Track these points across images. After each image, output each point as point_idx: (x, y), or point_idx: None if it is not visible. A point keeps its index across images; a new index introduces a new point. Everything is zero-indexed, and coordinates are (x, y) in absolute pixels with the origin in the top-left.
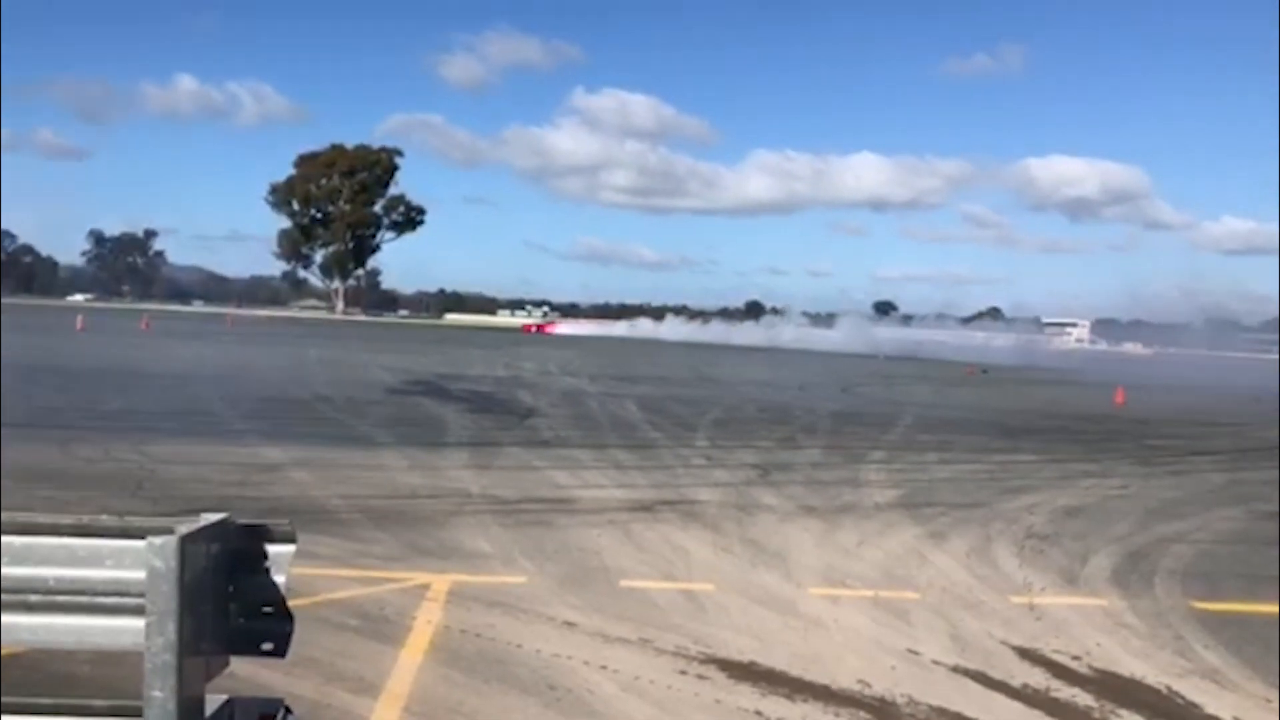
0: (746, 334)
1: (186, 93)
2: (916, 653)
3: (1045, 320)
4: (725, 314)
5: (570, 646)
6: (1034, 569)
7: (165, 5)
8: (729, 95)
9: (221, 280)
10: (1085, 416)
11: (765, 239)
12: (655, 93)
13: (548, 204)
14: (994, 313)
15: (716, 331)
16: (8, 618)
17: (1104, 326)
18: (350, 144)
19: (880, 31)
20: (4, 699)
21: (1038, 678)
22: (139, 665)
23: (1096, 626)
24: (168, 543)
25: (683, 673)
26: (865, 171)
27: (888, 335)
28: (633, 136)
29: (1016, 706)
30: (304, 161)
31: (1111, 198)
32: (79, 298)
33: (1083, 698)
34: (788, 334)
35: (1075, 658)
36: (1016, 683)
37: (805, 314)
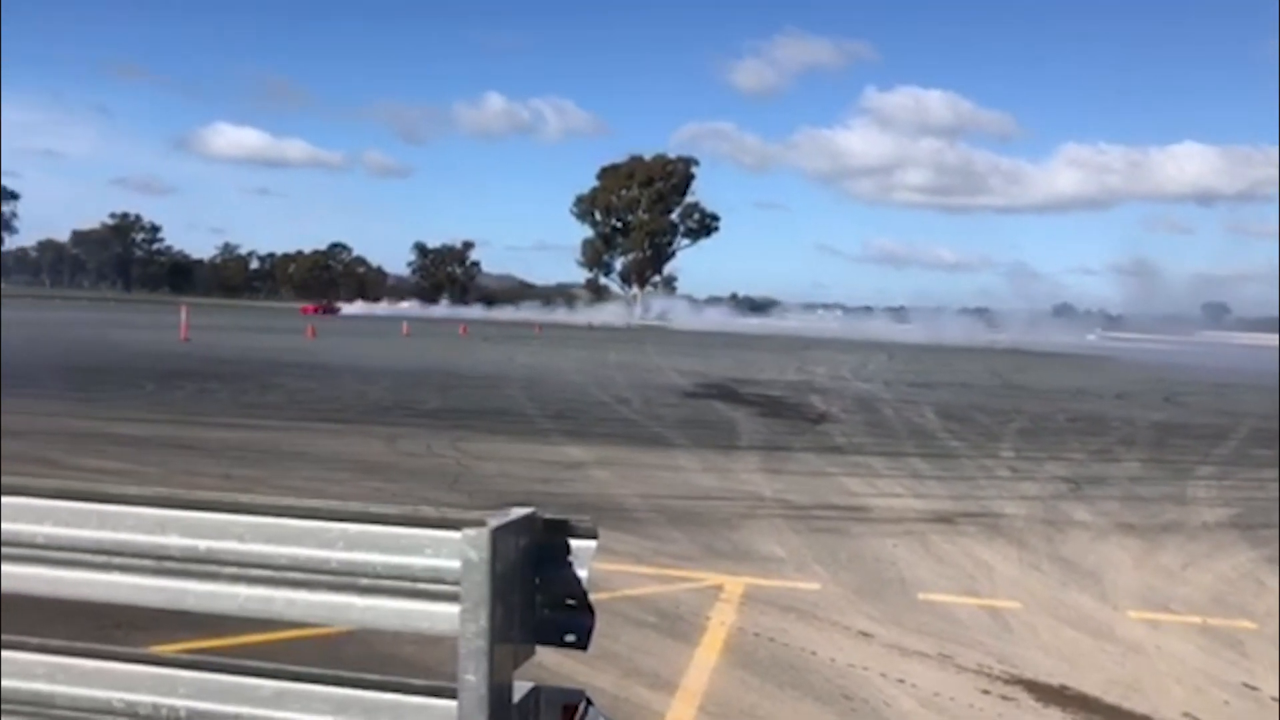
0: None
1: (495, 111)
2: (1254, 688)
3: None
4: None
5: (866, 657)
6: None
7: (474, 27)
8: (1033, 86)
9: (530, 288)
10: None
11: (1074, 237)
12: (952, 87)
13: (839, 206)
14: None
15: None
16: (340, 598)
17: None
18: (648, 154)
19: (1204, 9)
20: (340, 673)
21: None
22: (453, 649)
23: None
24: (480, 534)
25: (986, 692)
26: (1188, 162)
27: (1215, 340)
28: (929, 134)
29: None
30: (606, 173)
31: None
32: (404, 305)
33: None
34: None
35: None
36: None
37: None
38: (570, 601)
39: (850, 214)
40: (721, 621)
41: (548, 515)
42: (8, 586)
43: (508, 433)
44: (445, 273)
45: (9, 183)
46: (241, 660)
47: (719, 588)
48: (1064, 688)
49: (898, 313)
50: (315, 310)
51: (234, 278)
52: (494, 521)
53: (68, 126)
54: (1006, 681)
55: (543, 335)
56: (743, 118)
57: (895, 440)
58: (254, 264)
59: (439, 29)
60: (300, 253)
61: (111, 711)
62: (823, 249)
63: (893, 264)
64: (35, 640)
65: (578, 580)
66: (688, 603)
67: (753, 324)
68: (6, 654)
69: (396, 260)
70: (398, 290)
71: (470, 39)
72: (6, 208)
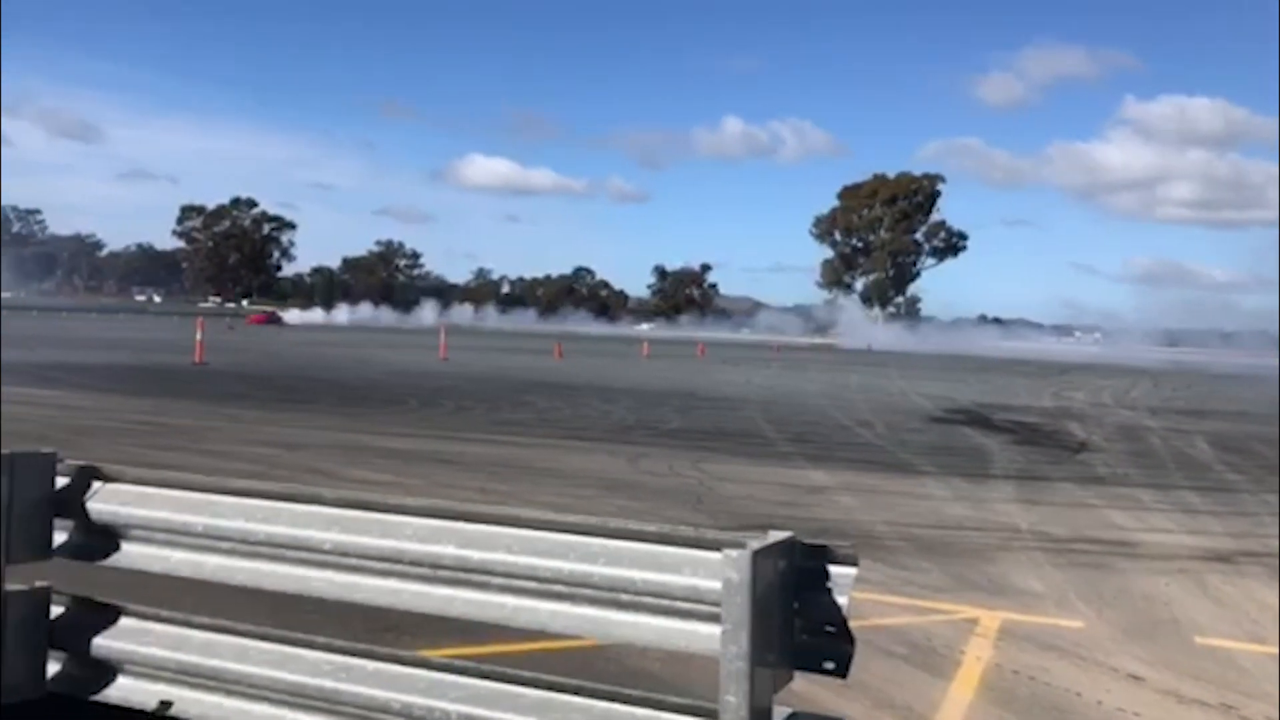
0: None
1: (733, 134)
2: None
3: None
4: None
5: (1137, 702)
6: None
7: (713, 54)
8: None
9: (766, 309)
10: None
11: None
12: (1222, 94)
13: (1096, 222)
14: None
15: None
16: (601, 612)
17: None
18: (891, 173)
19: None
20: (600, 686)
21: None
22: (702, 668)
23: None
24: (742, 556)
25: None
26: None
27: None
28: (1195, 144)
29: None
30: (847, 192)
31: None
32: (644, 327)
33: None
34: None
35: None
36: None
37: None
38: (829, 628)
39: (1108, 230)
40: (977, 656)
41: (807, 540)
42: (296, 588)
43: (748, 454)
44: (684, 294)
45: (286, 213)
46: (506, 668)
47: (973, 621)
48: None
49: (1163, 335)
50: (263, 320)
51: (486, 301)
52: (754, 544)
53: (337, 160)
54: None
55: (781, 357)
56: (990, 132)
57: (1164, 472)
58: (505, 288)
59: (678, 57)
60: (548, 276)
61: (388, 711)
62: (1077, 267)
63: (1156, 283)
64: (322, 639)
65: (837, 607)
66: (941, 635)
67: (1003, 347)
68: (298, 651)
69: (637, 283)
70: (638, 312)
71: (708, 65)
72: (285, 237)
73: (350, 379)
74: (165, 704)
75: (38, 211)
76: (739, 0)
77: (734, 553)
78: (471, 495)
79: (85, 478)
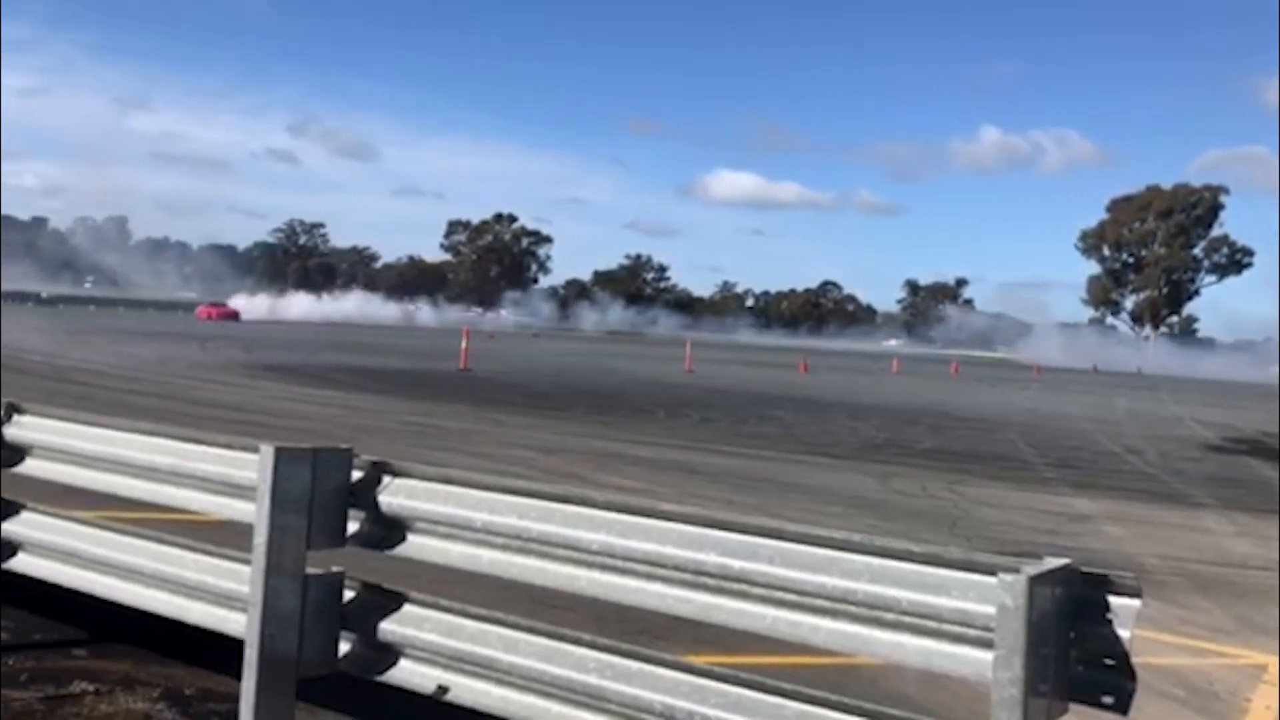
0: None
1: (990, 145)
2: None
3: None
4: None
5: None
6: None
7: (968, 61)
8: None
9: (1023, 326)
10: None
11: None
12: None
13: None
14: None
15: None
16: (864, 630)
17: None
18: (1165, 184)
19: None
20: (862, 704)
21: None
22: (958, 694)
23: None
24: (1018, 581)
25: None
26: None
27: None
28: None
29: None
30: (1116, 205)
31: None
32: (892, 343)
33: None
34: None
35: None
36: None
37: None
38: (1108, 661)
39: None
40: (1267, 705)
41: (1085, 568)
42: (564, 586)
43: (1007, 478)
44: (935, 310)
45: (543, 228)
46: (768, 679)
47: (1261, 668)
48: None
49: None
50: (218, 314)
51: (730, 314)
52: (1029, 569)
53: (590, 177)
54: None
55: (1041, 378)
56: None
57: None
58: (749, 301)
59: (932, 65)
60: (793, 290)
61: (651, 712)
62: None
63: None
64: (588, 636)
65: (1118, 639)
66: (1223, 680)
67: None
68: (565, 647)
69: (886, 297)
70: (886, 328)
71: (964, 73)
72: (542, 250)
73: (600, 388)
74: (442, 689)
75: (321, 225)
76: (998, 3)
77: (1010, 577)
78: (719, 506)
79: (377, 472)
